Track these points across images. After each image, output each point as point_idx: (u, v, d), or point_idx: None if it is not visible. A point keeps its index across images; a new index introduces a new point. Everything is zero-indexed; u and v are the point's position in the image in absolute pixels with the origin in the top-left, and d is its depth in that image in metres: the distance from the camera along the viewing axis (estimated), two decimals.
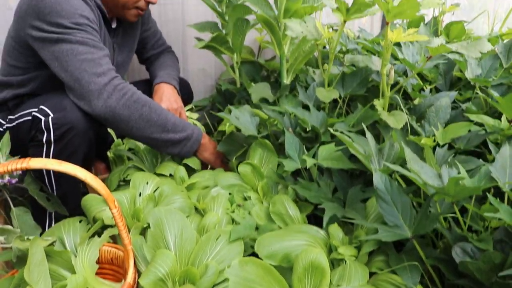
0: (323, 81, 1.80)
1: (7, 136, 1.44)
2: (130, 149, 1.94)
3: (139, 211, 1.41)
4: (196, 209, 1.47)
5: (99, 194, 1.13)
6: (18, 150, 1.51)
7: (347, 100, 1.81)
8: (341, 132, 1.43)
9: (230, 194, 1.49)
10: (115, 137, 1.92)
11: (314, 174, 1.44)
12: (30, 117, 1.55)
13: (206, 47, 2.06)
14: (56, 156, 1.52)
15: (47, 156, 1.53)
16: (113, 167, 1.85)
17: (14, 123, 1.64)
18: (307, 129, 1.61)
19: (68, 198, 1.66)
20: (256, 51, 2.51)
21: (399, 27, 1.37)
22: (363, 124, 1.35)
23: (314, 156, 1.46)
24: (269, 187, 1.52)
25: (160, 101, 1.88)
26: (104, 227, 1.37)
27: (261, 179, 1.53)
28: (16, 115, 1.64)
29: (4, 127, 1.69)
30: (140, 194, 1.50)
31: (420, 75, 1.86)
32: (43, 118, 1.49)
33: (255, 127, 1.62)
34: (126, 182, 1.72)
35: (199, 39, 2.14)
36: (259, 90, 1.87)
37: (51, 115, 1.49)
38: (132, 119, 1.55)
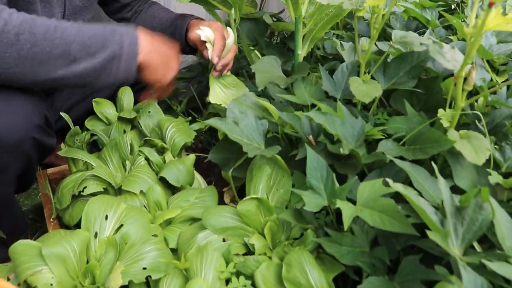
0: (356, 63, 1.31)
1: None
2: (92, 139, 1.46)
3: (93, 268, 0.97)
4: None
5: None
6: None
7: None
8: (384, 160, 0.98)
9: (224, 240, 1.04)
10: (71, 124, 1.43)
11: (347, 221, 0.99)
12: None
13: (195, 0, 1.53)
14: None
15: None
16: (71, 167, 1.38)
17: None
18: (336, 139, 1.14)
19: (3, 222, 1.22)
20: (259, 2, 1.96)
21: (497, 8, 0.87)
22: (434, 167, 0.88)
23: (349, 195, 1.01)
24: (279, 227, 1.07)
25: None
26: None
27: (269, 214, 1.08)
28: None
29: None
30: (96, 235, 1.05)
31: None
32: None
33: (262, 137, 1.14)
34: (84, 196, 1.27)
35: None
36: (266, 69, 1.37)
37: None
38: (7, 61, 0.92)
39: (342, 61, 1.63)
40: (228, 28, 1.42)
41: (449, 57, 1.01)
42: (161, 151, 1.36)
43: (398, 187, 0.82)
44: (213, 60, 1.37)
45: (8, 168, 1.08)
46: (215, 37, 1.38)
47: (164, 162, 1.32)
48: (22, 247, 0.98)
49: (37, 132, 1.09)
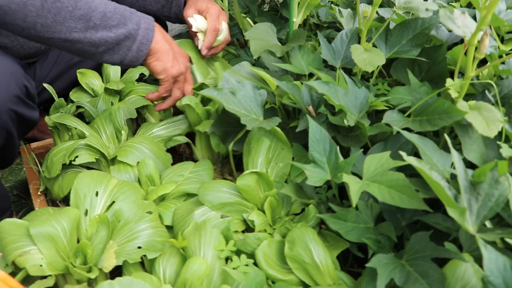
0: (356, 31, 1.25)
1: None
2: (78, 111, 1.39)
3: (84, 247, 0.91)
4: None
5: None
6: None
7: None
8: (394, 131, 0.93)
9: (222, 216, 1.00)
10: (55, 95, 1.36)
11: (355, 197, 0.95)
12: None
13: None
14: None
15: None
16: (56, 140, 1.31)
17: None
18: (337, 110, 1.09)
19: None
20: None
21: None
22: (446, 137, 0.83)
23: (353, 169, 0.97)
24: (279, 202, 1.03)
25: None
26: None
27: (268, 189, 1.03)
28: None
29: None
30: (86, 213, 0.99)
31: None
32: None
33: (261, 108, 1.09)
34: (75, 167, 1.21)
35: None
36: (260, 36, 1.30)
37: None
38: (30, 8, 0.91)
39: (337, 29, 1.57)
40: (223, 22, 1.37)
41: (459, 23, 0.96)
42: None
43: (412, 160, 0.78)
44: (202, 52, 1.36)
45: None
46: (208, 28, 1.34)
47: None
48: (8, 226, 0.92)
49: (16, 103, 1.02)
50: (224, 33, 1.37)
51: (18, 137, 1.11)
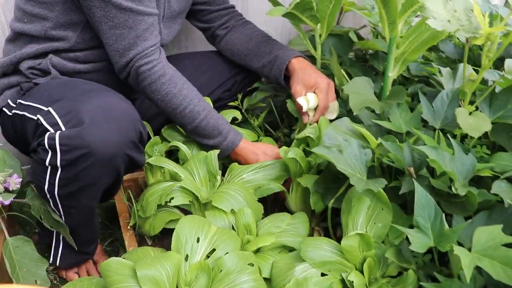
0: (457, 92, 1.23)
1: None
2: (171, 150, 1.43)
3: None
4: None
5: None
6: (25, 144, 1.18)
7: None
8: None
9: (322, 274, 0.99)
10: (151, 133, 1.41)
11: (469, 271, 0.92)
12: (35, 117, 1.06)
13: (284, 14, 1.47)
14: (64, 186, 1.05)
15: (52, 183, 1.05)
16: (148, 176, 1.35)
17: (21, 113, 1.17)
18: (438, 173, 1.07)
19: (80, 231, 1.20)
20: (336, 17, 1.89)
21: None
22: None
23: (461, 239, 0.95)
24: (376, 263, 1.02)
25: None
26: None
27: (367, 250, 1.02)
28: (25, 103, 1.17)
29: (13, 111, 1.22)
30: (187, 258, 1.01)
31: None
32: (47, 131, 0.99)
33: (365, 167, 1.08)
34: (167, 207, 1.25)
35: (273, 1, 1.54)
36: (358, 90, 1.31)
37: (61, 128, 0.99)
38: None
39: (427, 83, 1.56)
40: (335, 102, 1.40)
41: None
42: None
43: None
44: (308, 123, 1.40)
45: (99, 183, 1.06)
46: (319, 106, 1.38)
47: None
48: (115, 266, 0.96)
49: (131, 148, 1.07)
50: (334, 109, 1.40)
51: (123, 178, 1.16)
